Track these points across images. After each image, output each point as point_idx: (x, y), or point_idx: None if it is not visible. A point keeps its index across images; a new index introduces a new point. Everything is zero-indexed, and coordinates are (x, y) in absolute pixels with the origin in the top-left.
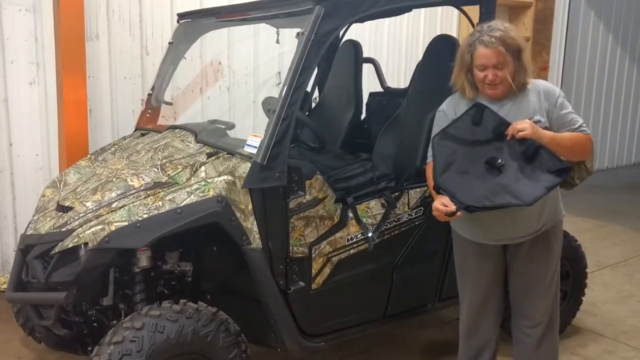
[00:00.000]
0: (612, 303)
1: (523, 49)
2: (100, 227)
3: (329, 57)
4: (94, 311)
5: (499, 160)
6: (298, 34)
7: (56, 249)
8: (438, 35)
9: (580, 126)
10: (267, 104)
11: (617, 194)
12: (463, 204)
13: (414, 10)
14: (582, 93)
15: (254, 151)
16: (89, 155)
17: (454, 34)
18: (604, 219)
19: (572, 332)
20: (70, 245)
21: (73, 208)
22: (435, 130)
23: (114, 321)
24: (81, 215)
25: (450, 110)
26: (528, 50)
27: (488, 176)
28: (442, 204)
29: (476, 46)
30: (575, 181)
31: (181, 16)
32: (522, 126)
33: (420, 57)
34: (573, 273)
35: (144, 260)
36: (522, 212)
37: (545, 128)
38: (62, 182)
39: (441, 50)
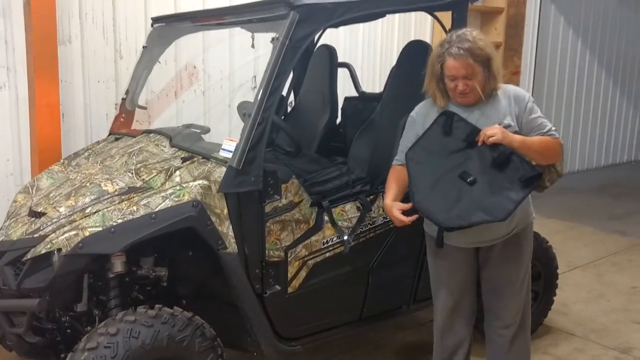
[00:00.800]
0: (582, 303)
1: (492, 58)
2: (74, 232)
3: (304, 62)
4: (67, 318)
5: (471, 178)
6: (273, 39)
7: (28, 255)
8: (411, 41)
9: (550, 130)
10: (243, 108)
11: (588, 196)
12: (440, 227)
13: (388, 15)
14: (552, 97)
15: (230, 155)
16: (61, 160)
17: (427, 39)
18: (574, 221)
19: (543, 332)
20: (43, 251)
21: (46, 214)
22: (406, 134)
23: (88, 327)
24: (54, 220)
25: (420, 117)
26: (498, 58)
27: (461, 192)
28: (400, 210)
29: (445, 57)
30: (546, 183)
31: (155, 20)
32: (492, 131)
33: (394, 61)
34: (544, 274)
35: (118, 265)
36: None
37: (515, 132)
38: (35, 188)
39: (414, 55)
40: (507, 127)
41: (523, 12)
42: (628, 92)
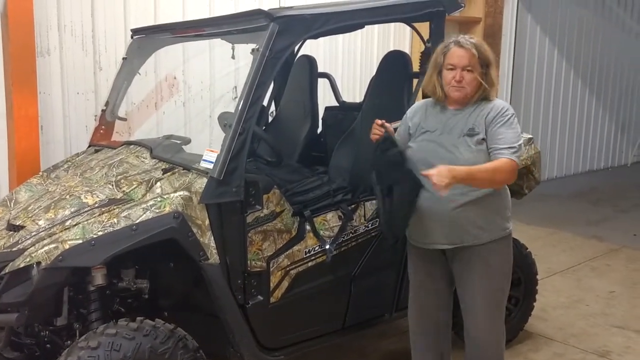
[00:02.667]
0: (562, 308)
1: (492, 64)
2: (53, 245)
3: (284, 72)
4: (47, 332)
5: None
6: (253, 50)
7: (7, 269)
8: (391, 51)
9: (503, 148)
10: (224, 119)
11: (565, 202)
12: None
13: (367, 26)
14: (530, 106)
15: (210, 166)
16: (40, 173)
17: (406, 49)
18: (553, 227)
19: (524, 337)
20: (22, 265)
21: (25, 227)
22: (399, 128)
23: (68, 342)
24: (33, 234)
25: (410, 113)
26: (495, 68)
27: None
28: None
29: (451, 47)
30: (524, 190)
31: (135, 32)
32: (440, 179)
33: (374, 71)
34: (524, 280)
35: (99, 278)
36: (458, 218)
37: (483, 140)
38: (13, 201)
39: (394, 65)
40: (474, 134)
41: (500, 22)
42: (603, 99)
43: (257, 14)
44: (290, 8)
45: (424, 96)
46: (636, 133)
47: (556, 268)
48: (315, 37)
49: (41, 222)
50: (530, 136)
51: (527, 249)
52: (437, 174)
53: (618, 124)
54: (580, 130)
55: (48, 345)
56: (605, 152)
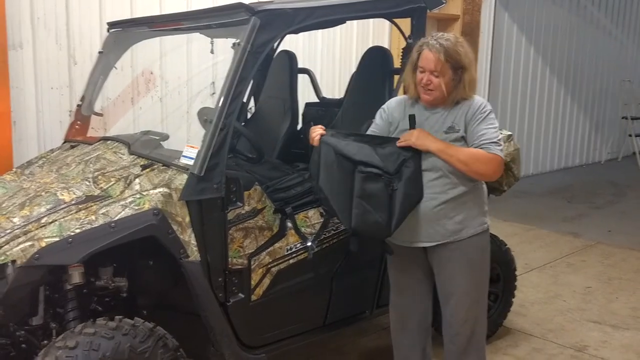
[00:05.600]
0: (539, 303)
1: (466, 68)
2: (29, 243)
3: (264, 68)
4: (22, 332)
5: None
6: (234, 44)
7: None
8: (372, 47)
9: (488, 142)
10: (204, 114)
11: (542, 199)
12: None
13: (346, 22)
14: (507, 103)
15: (191, 162)
16: (14, 169)
17: (385, 45)
18: (530, 223)
19: (503, 333)
20: None
21: None
22: (375, 121)
23: (45, 341)
24: (7, 231)
25: (388, 108)
26: (473, 71)
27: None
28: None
29: (423, 48)
30: (503, 187)
31: (112, 25)
32: (406, 136)
33: (353, 67)
34: (503, 276)
35: (76, 276)
36: (438, 216)
37: (462, 138)
38: None
39: (375, 61)
40: (452, 131)
41: (478, 20)
42: (578, 98)
43: (238, 7)
44: (271, 2)
45: (405, 92)
46: (610, 131)
47: (533, 264)
48: (297, 31)
49: (16, 220)
50: (510, 133)
51: (506, 245)
52: (417, 135)
53: (592, 122)
54: (556, 128)
55: (23, 346)
56: (580, 149)
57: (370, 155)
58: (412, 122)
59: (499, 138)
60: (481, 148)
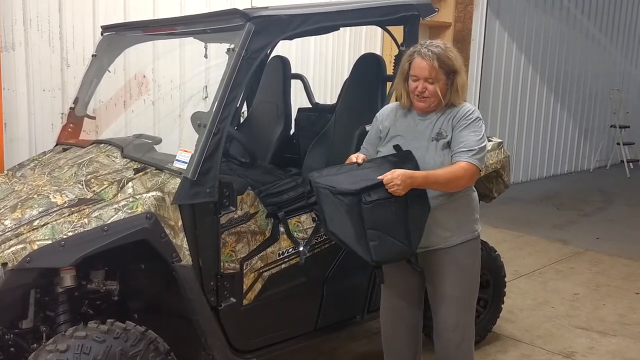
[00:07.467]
0: (528, 310)
1: (458, 72)
2: (20, 246)
3: (257, 73)
4: (11, 335)
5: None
6: (229, 49)
7: None
8: (365, 54)
9: (464, 151)
10: (197, 119)
11: (531, 206)
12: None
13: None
14: (497, 110)
15: (184, 166)
16: (5, 172)
17: (377, 51)
18: (519, 230)
19: (492, 339)
20: None
21: None
22: (369, 132)
23: (34, 345)
24: None
25: (381, 116)
26: (464, 75)
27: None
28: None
29: (414, 57)
30: (493, 194)
31: (105, 29)
32: (393, 183)
33: (345, 73)
34: (493, 282)
35: (68, 279)
36: (429, 223)
37: (449, 144)
38: None
39: (368, 67)
40: (440, 137)
41: (469, 27)
42: (568, 106)
43: (233, 13)
44: (266, 8)
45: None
46: (598, 139)
47: (522, 270)
48: (291, 38)
49: (7, 222)
50: (500, 140)
51: (496, 251)
52: (391, 178)
53: (581, 129)
54: (545, 136)
55: (12, 349)
56: (569, 157)
57: (367, 175)
58: (398, 151)
59: (480, 146)
60: (456, 155)
